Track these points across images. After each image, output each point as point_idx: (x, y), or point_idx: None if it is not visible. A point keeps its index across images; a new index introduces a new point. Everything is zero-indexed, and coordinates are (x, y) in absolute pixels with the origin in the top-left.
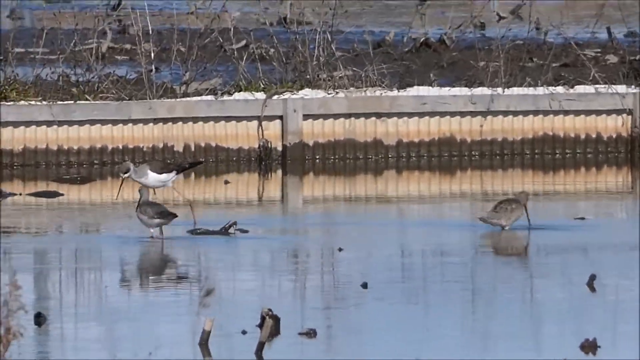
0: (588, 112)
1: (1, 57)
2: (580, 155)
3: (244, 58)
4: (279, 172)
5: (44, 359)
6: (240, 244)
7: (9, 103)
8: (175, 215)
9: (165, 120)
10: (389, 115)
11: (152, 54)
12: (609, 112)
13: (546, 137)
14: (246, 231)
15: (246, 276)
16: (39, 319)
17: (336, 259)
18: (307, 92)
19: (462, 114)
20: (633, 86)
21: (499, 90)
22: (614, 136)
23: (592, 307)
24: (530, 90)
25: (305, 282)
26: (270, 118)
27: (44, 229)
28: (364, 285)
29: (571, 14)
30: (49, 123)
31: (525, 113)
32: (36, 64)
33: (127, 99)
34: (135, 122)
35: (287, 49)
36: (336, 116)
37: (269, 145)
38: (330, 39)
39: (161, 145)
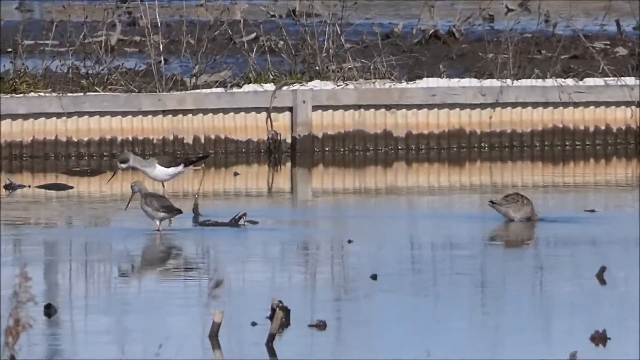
0: (597, 104)
1: (10, 50)
2: (590, 147)
3: (254, 50)
4: (288, 163)
5: (54, 350)
6: (249, 236)
7: (18, 95)
8: (180, 211)
9: (174, 112)
10: (398, 106)
11: (162, 46)
12: (618, 104)
13: (555, 129)
14: (256, 222)
15: (256, 268)
16: (49, 311)
17: (346, 251)
18: (316, 84)
19: (472, 105)
20: None
21: (508, 81)
22: (623, 128)
23: (601, 299)
24: (539, 82)
25: (315, 273)
26: (280, 110)
27: (53, 221)
28: (374, 277)
29: (580, 6)
30: (58, 115)
31: (535, 105)
32: (46, 56)
33: (137, 91)
34: (144, 114)
35: (297, 41)
36: (345, 108)
37: (278, 137)
38: (339, 30)
39: (171, 137)
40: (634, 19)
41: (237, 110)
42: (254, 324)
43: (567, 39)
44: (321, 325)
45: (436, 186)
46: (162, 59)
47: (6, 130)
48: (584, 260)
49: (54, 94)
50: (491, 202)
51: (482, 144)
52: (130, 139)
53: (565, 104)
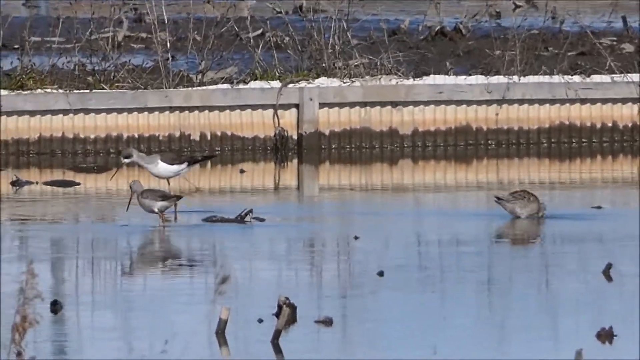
0: (604, 101)
1: (17, 46)
2: (597, 144)
3: (260, 46)
4: (295, 160)
5: (60, 346)
6: (256, 232)
7: (25, 92)
8: (179, 197)
9: (181, 109)
10: (405, 103)
11: (168, 43)
12: (624, 101)
13: (562, 126)
14: (262, 219)
15: (262, 264)
16: (55, 307)
17: (352, 248)
18: (322, 81)
19: (478, 102)
20: None
21: (515, 78)
22: (630, 125)
23: (608, 296)
24: (546, 79)
25: (321, 270)
26: (286, 106)
27: (60, 217)
28: (381, 273)
29: (587, 3)
30: (65, 112)
31: (542, 102)
32: (52, 52)
33: (143, 87)
34: (151, 110)
35: (303, 37)
36: (352, 105)
37: (285, 134)
38: (345, 27)
39: (177, 134)
40: None
41: (243, 107)
42: (260, 320)
43: (574, 36)
44: (327, 322)
45: (442, 183)
46: (169, 56)
47: (13, 127)
48: (590, 257)
49: (61, 91)
50: (497, 198)
51: (489, 141)
52: (137, 135)
53: (572, 101)
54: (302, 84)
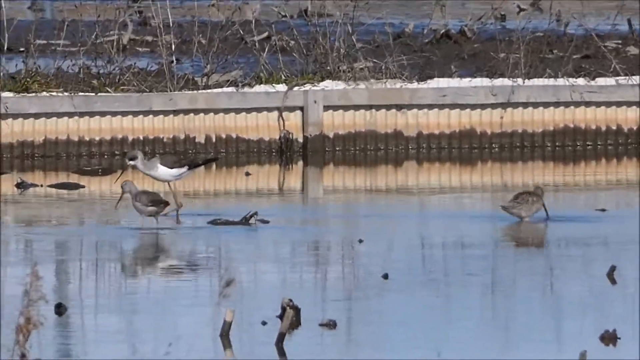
0: (609, 104)
1: (22, 49)
2: (601, 147)
3: (265, 50)
4: (300, 163)
5: (65, 348)
6: (260, 235)
7: (30, 95)
8: (167, 203)
9: (186, 112)
10: (410, 106)
11: (173, 46)
12: (629, 104)
13: (567, 129)
14: (267, 222)
15: (267, 267)
16: (60, 309)
17: (356, 250)
18: (327, 84)
19: (483, 105)
20: None
21: (520, 81)
22: (635, 128)
23: (612, 299)
24: (550, 82)
25: (325, 273)
26: (291, 109)
27: (65, 220)
28: (385, 276)
29: (592, 6)
30: (70, 114)
31: (546, 105)
32: (57, 56)
33: (148, 90)
34: (156, 113)
35: (308, 41)
36: (357, 107)
37: (290, 137)
38: (350, 30)
39: (182, 137)
40: None
41: (248, 110)
42: (264, 323)
43: (579, 39)
44: (332, 325)
45: (447, 186)
46: (174, 59)
47: (18, 130)
48: (594, 260)
49: (66, 94)
50: (503, 207)
51: (493, 144)
52: (142, 138)
53: (577, 104)
54: (307, 86)
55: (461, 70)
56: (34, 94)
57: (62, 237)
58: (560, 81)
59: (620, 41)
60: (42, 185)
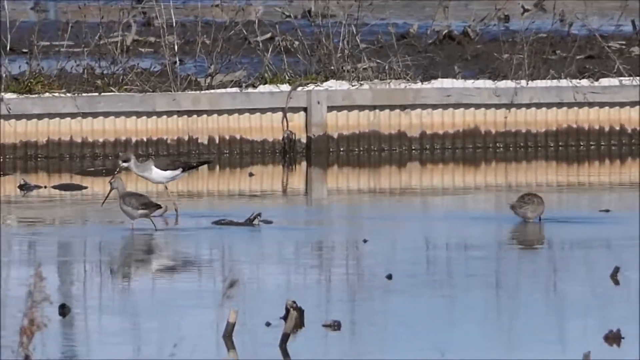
0: (612, 105)
1: (26, 50)
2: (604, 148)
3: (269, 50)
4: (304, 164)
5: (68, 349)
6: (264, 236)
7: (33, 95)
8: (159, 206)
9: (189, 113)
10: (413, 107)
11: (177, 47)
12: (633, 105)
13: (570, 130)
14: (270, 222)
15: (270, 268)
16: (64, 310)
17: (360, 251)
18: (331, 84)
19: (486, 106)
20: None
21: (523, 82)
22: (638, 128)
23: (615, 299)
24: (554, 83)
25: (329, 274)
26: (295, 110)
27: (68, 221)
28: (389, 277)
29: (595, 6)
30: (73, 115)
31: (549, 105)
32: (61, 56)
33: (152, 91)
34: (159, 114)
35: (312, 41)
36: (360, 108)
37: (294, 137)
38: (354, 31)
39: (186, 138)
40: None
41: (252, 110)
42: (268, 324)
43: (583, 39)
44: (335, 326)
45: (451, 186)
46: (177, 59)
47: (21, 131)
48: (598, 261)
49: (69, 95)
50: (511, 206)
51: (497, 145)
52: (145, 139)
53: (580, 104)
54: (311, 87)
55: (464, 71)
56: (37, 95)
57: (66, 238)
58: (564, 82)
59: (624, 42)
60: (45, 187)
